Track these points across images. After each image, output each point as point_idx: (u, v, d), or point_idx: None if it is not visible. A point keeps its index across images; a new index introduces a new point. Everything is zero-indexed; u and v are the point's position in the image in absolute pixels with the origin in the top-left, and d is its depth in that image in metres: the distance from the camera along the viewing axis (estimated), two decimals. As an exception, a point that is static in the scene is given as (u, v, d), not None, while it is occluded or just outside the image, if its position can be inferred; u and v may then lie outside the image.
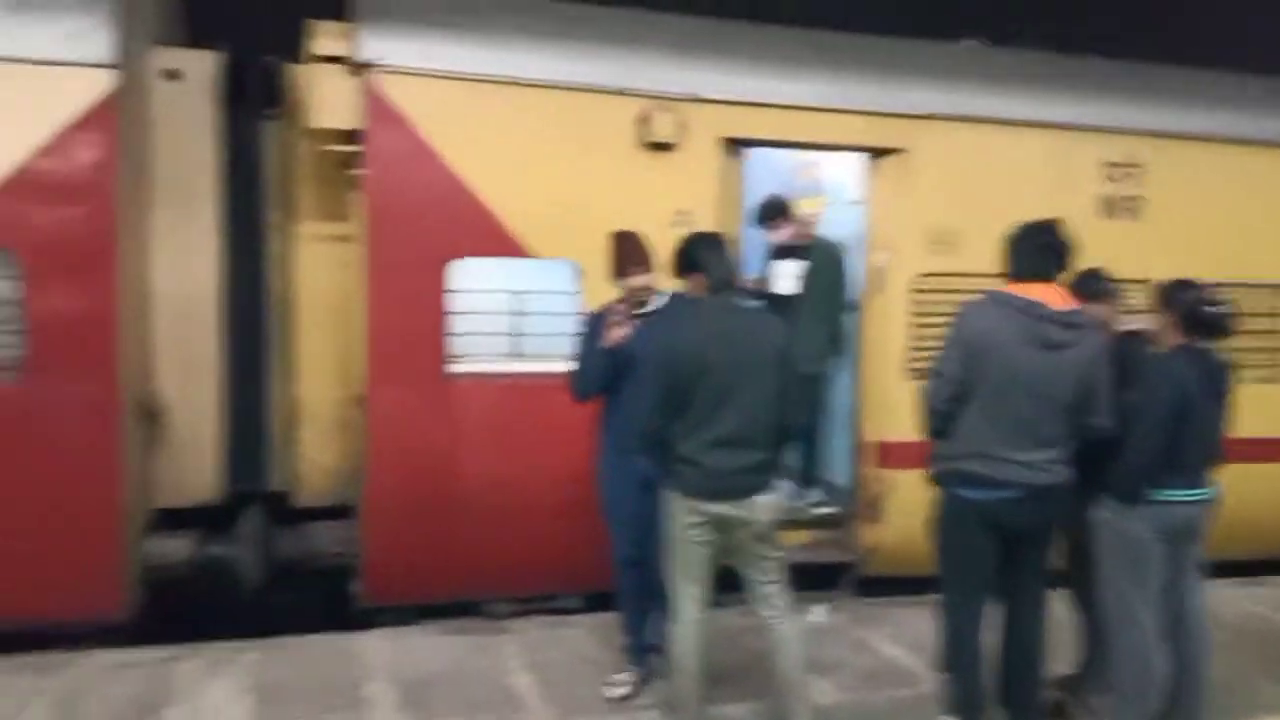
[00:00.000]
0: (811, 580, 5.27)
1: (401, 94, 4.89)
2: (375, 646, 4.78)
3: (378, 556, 5.01)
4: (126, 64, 4.57)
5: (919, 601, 5.43)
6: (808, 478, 5.89)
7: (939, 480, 3.78)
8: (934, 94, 5.67)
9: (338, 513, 5.40)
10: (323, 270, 5.44)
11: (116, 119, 4.50)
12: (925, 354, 5.55)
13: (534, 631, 5.05)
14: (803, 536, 5.74)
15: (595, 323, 4.25)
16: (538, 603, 5.33)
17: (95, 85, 4.43)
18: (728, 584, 3.94)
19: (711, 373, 3.69)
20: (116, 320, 4.57)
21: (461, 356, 5.11)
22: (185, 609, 5.04)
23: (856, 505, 5.83)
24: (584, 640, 4.94)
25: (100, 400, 4.55)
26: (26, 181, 4.37)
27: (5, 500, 4.45)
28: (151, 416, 5.04)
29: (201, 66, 5.17)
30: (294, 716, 4.09)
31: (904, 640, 5.10)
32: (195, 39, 5.41)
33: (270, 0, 5.26)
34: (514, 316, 5.37)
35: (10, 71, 4.34)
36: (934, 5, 7.92)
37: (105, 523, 4.61)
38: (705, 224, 4.97)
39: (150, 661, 4.50)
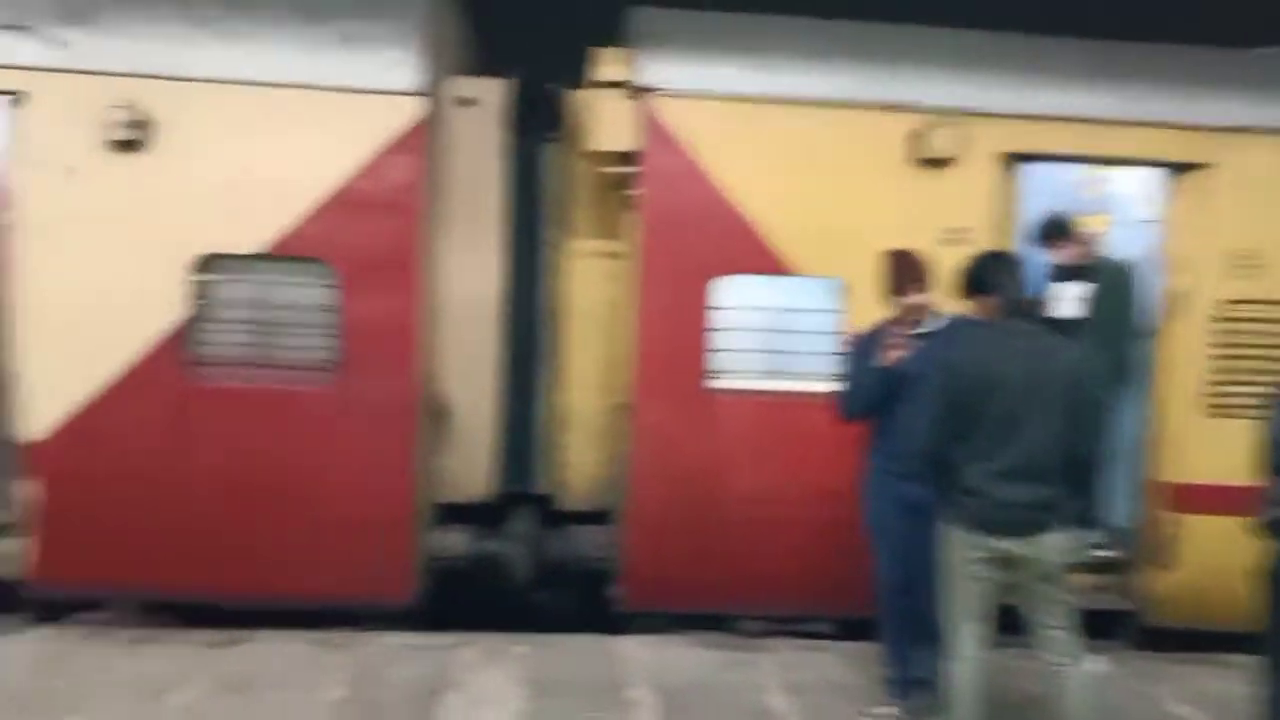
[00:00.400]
0: (1084, 627, 4.92)
1: (675, 116, 5.03)
2: (635, 652, 4.91)
3: (636, 563, 5.14)
4: (432, 92, 4.96)
5: (1207, 659, 4.99)
6: (1085, 517, 5.48)
7: (1274, 529, 3.41)
8: (1245, 105, 5.17)
9: (599, 517, 5.58)
10: (593, 285, 5.66)
11: (424, 143, 4.90)
12: (1227, 388, 5.09)
13: (787, 652, 5.00)
14: (1077, 580, 5.35)
15: (867, 342, 4.18)
16: (788, 624, 5.28)
17: (407, 112, 4.85)
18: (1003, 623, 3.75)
19: (1001, 399, 3.52)
20: (417, 327, 4.96)
21: (723, 372, 5.17)
22: (460, 599, 5.36)
23: (1140, 550, 5.38)
24: (838, 666, 4.84)
25: (401, 400, 4.95)
26: (346, 200, 4.83)
27: (318, 491, 4.92)
28: (437, 417, 5.42)
29: (491, 93, 5.53)
30: (564, 712, 4.26)
31: (1191, 698, 4.68)
32: (484, 68, 5.78)
33: (553, 30, 5.55)
34: (775, 334, 5.35)
35: (335, 100, 4.82)
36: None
37: (400, 514, 5.00)
38: (979, 242, 4.77)
39: (432, 646, 4.83)
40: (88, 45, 4.70)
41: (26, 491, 4.81)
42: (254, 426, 4.86)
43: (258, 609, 4.93)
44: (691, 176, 5.06)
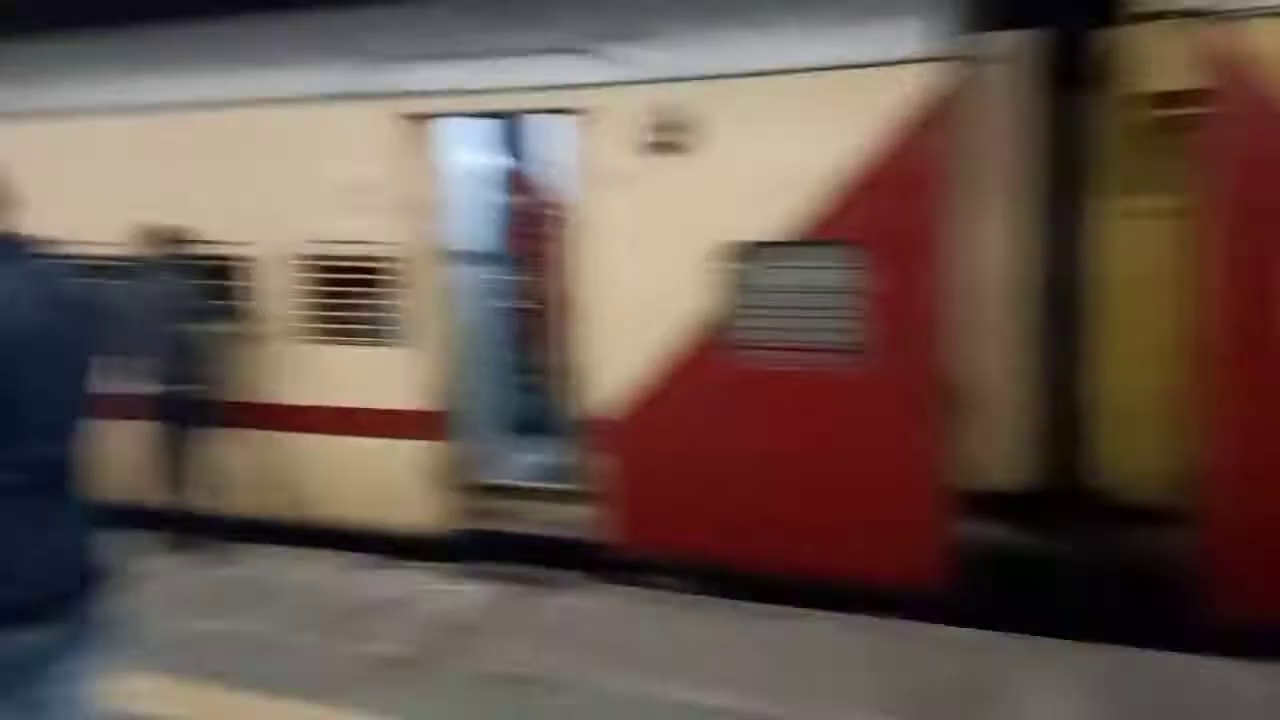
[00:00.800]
0: None
1: (1253, 40, 4.22)
2: (1244, 680, 4.12)
3: (1227, 571, 4.42)
4: (954, 56, 4.67)
5: None
6: None
7: None
8: None
9: (1158, 513, 4.91)
10: (1141, 248, 4.99)
11: (949, 111, 4.64)
12: None
13: None
14: None
15: None
16: None
17: (929, 80, 4.63)
18: None
19: None
20: (945, 306, 4.75)
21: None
22: (998, 594, 5.06)
23: None
24: None
25: (927, 382, 4.78)
26: (871, 179, 4.74)
27: (849, 471, 4.93)
28: (965, 399, 5.16)
29: (1014, 47, 5.10)
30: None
31: None
32: (1006, 20, 5.33)
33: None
34: None
35: (856, 77, 4.73)
36: None
37: (930, 499, 4.84)
38: None
39: (971, 642, 4.56)
40: (637, 58, 5.12)
41: (601, 464, 5.44)
42: (788, 408, 5.00)
43: (799, 584, 5.05)
44: (1271, 111, 4.22)
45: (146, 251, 5.63)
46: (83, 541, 2.30)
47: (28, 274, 2.20)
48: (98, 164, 6.08)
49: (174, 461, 5.64)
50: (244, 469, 5.96)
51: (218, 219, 5.88)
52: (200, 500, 5.70)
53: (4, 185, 2.25)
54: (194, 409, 5.61)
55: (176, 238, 5.67)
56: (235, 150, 5.89)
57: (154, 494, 5.60)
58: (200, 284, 5.74)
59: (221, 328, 5.83)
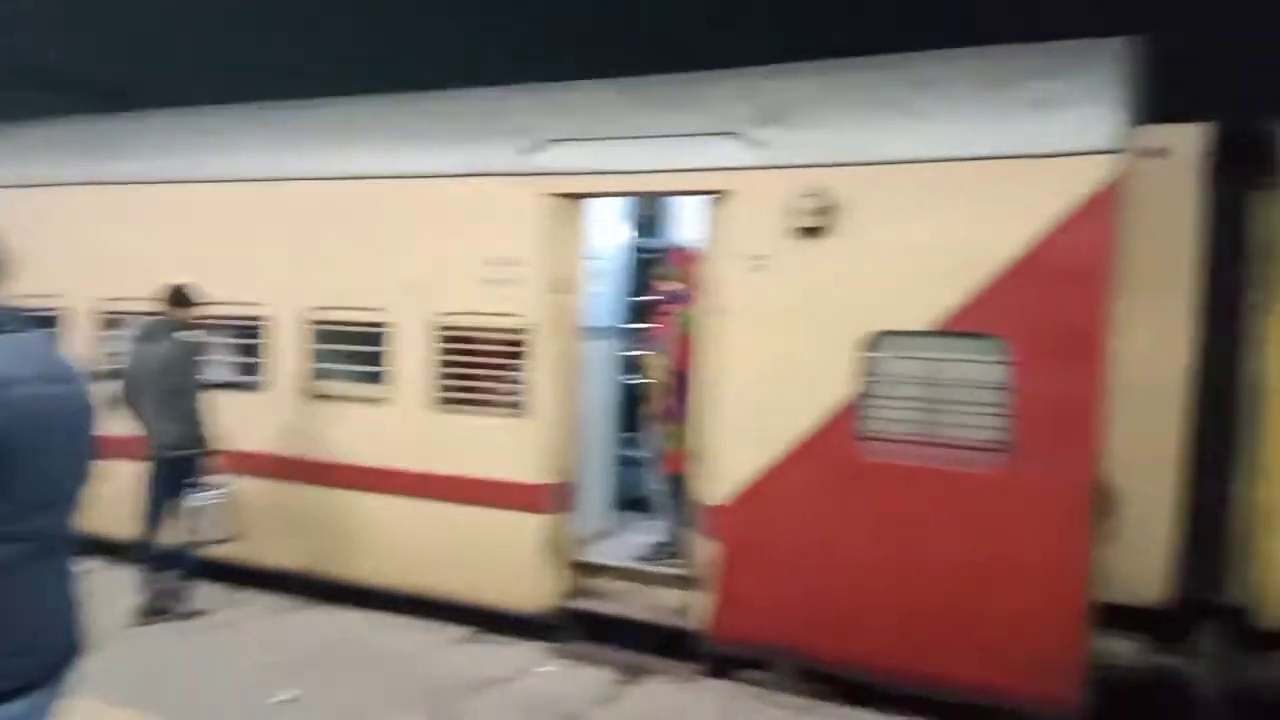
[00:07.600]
0: None
1: None
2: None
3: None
4: (1123, 148, 4.43)
5: None
6: None
7: None
8: None
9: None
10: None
11: (1114, 205, 4.38)
12: None
13: None
14: None
15: None
16: None
17: (1096, 173, 4.38)
18: None
19: None
20: (1098, 408, 4.42)
21: None
22: (1125, 715, 4.66)
23: None
24: None
25: (1074, 487, 4.45)
26: (1025, 271, 4.48)
27: (979, 576, 4.60)
28: (1105, 506, 4.83)
29: (1183, 140, 4.85)
30: None
31: None
32: (1174, 113, 5.07)
33: (1260, 63, 4.70)
34: None
35: (1017, 167, 4.51)
36: None
37: (1068, 611, 4.47)
38: None
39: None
40: (781, 142, 4.98)
41: (708, 551, 5.18)
42: (917, 504, 4.71)
43: (910, 693, 4.76)
44: None
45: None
46: (73, 609, 2.33)
47: (20, 346, 2.18)
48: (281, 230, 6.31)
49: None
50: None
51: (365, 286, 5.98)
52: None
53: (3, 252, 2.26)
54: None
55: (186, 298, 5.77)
56: (393, 222, 5.96)
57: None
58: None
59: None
